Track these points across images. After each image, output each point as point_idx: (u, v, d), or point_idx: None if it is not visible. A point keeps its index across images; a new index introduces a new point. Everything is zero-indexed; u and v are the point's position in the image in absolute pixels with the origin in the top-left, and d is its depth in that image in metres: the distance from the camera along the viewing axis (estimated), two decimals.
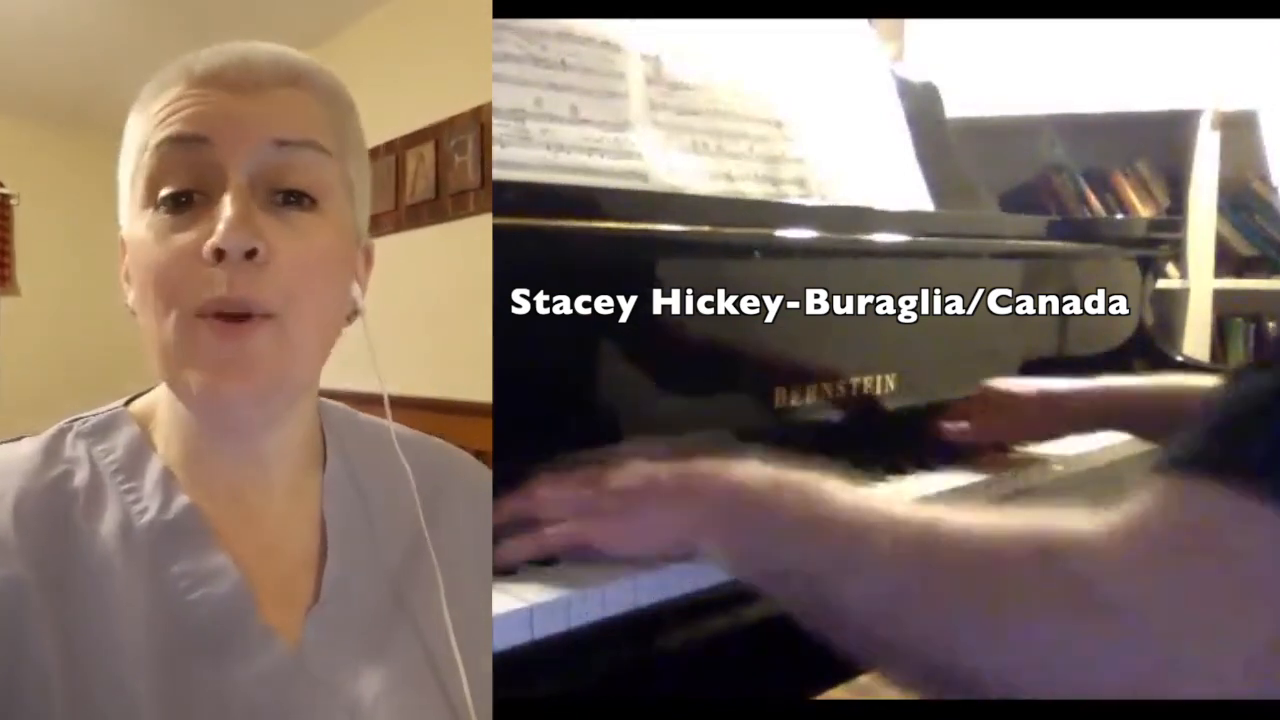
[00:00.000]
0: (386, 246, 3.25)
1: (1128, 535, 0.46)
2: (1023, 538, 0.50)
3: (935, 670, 0.53)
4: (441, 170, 2.68)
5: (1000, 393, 1.04)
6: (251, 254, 0.55)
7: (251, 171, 0.57)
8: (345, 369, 0.69)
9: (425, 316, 2.33)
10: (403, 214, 2.84)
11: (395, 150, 2.87)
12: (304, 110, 0.60)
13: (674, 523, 0.67)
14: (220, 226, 0.55)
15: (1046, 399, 1.02)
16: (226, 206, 0.55)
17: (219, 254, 0.55)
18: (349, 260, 0.64)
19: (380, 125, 2.86)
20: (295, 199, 0.59)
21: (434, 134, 2.70)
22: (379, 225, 2.93)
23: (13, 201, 4.24)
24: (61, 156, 4.08)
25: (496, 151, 0.87)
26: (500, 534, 0.69)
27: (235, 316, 0.56)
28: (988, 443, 1.03)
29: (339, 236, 0.62)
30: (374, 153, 3.04)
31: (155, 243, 0.57)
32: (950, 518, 0.54)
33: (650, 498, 0.68)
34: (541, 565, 0.68)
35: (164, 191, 0.57)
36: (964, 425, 1.02)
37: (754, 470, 0.65)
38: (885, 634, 0.55)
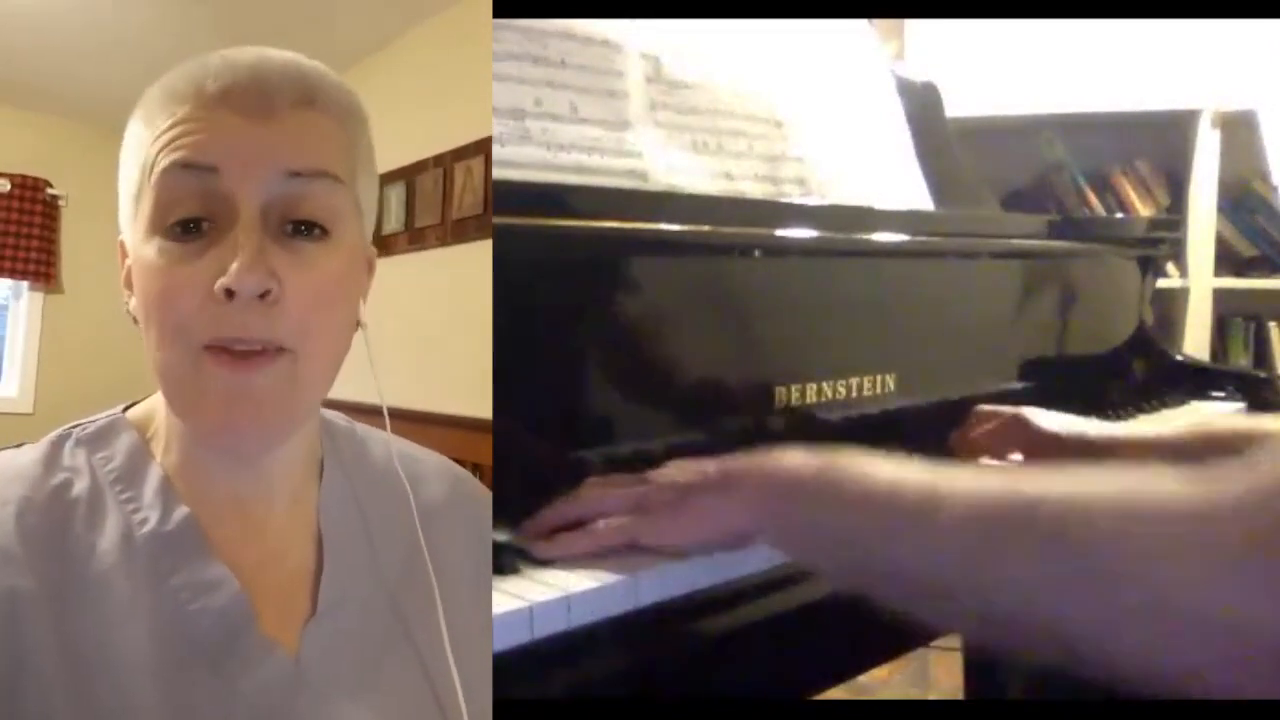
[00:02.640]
0: (432, 260, 3.21)
1: (1239, 498, 0.44)
2: (1107, 501, 0.49)
3: (1019, 630, 0.52)
4: (490, 184, 2.66)
5: (1034, 428, 0.99)
6: (265, 295, 0.55)
7: (263, 202, 0.56)
8: (364, 382, 0.69)
9: (471, 330, 2.32)
10: (449, 227, 2.84)
11: (444, 164, 2.86)
12: (317, 136, 0.59)
13: (725, 513, 0.67)
14: (233, 267, 0.54)
15: (1088, 445, 0.97)
16: (239, 246, 0.54)
17: (230, 293, 0.54)
18: (359, 281, 0.63)
19: (428, 139, 2.86)
20: (306, 229, 0.58)
21: (482, 148, 2.68)
22: (425, 238, 2.92)
23: (60, 202, 4.29)
24: (110, 160, 4.10)
25: (496, 151, 0.87)
26: (552, 532, 0.70)
27: (244, 353, 0.55)
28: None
29: (349, 262, 0.61)
30: (421, 166, 3.05)
31: (165, 271, 0.56)
32: (1024, 486, 0.53)
33: (699, 489, 0.68)
34: (540, 565, 0.68)
35: (173, 219, 0.56)
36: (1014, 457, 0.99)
37: (801, 457, 0.65)
38: (955, 597, 0.55)
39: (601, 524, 0.70)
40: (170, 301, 0.55)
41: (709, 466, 0.69)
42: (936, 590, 0.56)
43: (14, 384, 4.31)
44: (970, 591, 0.54)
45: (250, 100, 0.56)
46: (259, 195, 0.56)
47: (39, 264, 4.24)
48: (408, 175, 2.98)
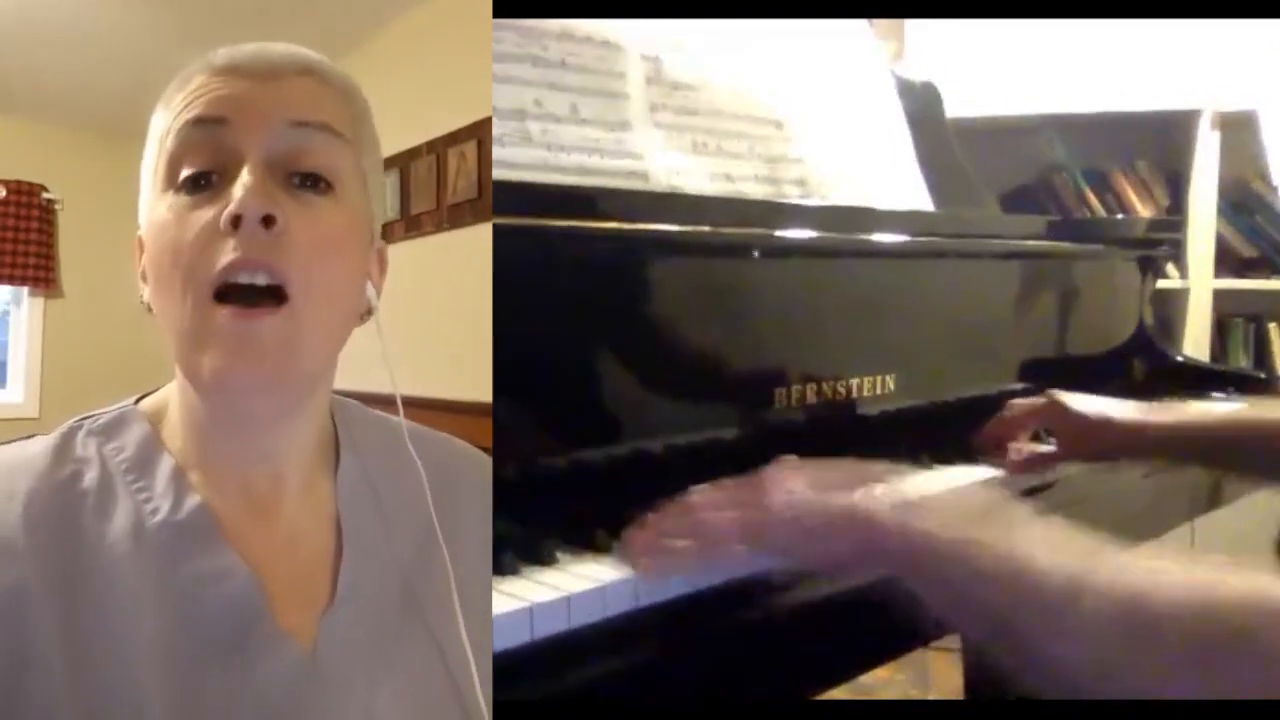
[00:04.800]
0: (428, 246, 3.21)
1: None
2: (1240, 611, 0.49)
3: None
4: (484, 169, 2.67)
5: (1069, 411, 1.02)
6: (268, 221, 0.56)
7: (269, 152, 0.58)
8: (372, 371, 0.69)
9: (470, 316, 2.32)
10: (444, 213, 2.85)
11: (436, 150, 2.87)
12: (320, 96, 0.62)
13: (855, 553, 0.66)
14: (238, 193, 0.56)
15: (1121, 427, 1.00)
16: (244, 176, 0.56)
17: (236, 220, 0.55)
18: (363, 248, 0.64)
19: (421, 126, 2.87)
20: (311, 182, 0.60)
21: (475, 133, 2.70)
22: (420, 225, 2.94)
23: (56, 206, 4.31)
24: (104, 162, 4.15)
25: (496, 151, 0.87)
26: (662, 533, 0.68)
27: (249, 303, 0.56)
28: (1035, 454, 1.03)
29: (354, 222, 0.62)
30: (415, 153, 3.08)
31: (175, 222, 0.57)
32: (1160, 589, 0.53)
33: (831, 521, 0.67)
34: (541, 565, 0.68)
35: (184, 173, 0.58)
36: (1046, 445, 1.03)
37: (940, 520, 0.64)
38: (1086, 686, 0.55)
39: (710, 519, 0.68)
40: (181, 247, 0.57)
41: (836, 496, 0.67)
42: (1071, 674, 0.55)
43: (19, 389, 4.32)
44: (1102, 678, 0.54)
45: (257, 65, 0.60)
46: (265, 145, 0.58)
47: (38, 269, 4.26)
48: (401, 163, 2.99)
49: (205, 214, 0.57)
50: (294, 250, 0.57)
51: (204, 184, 0.58)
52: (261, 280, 0.56)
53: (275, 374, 0.58)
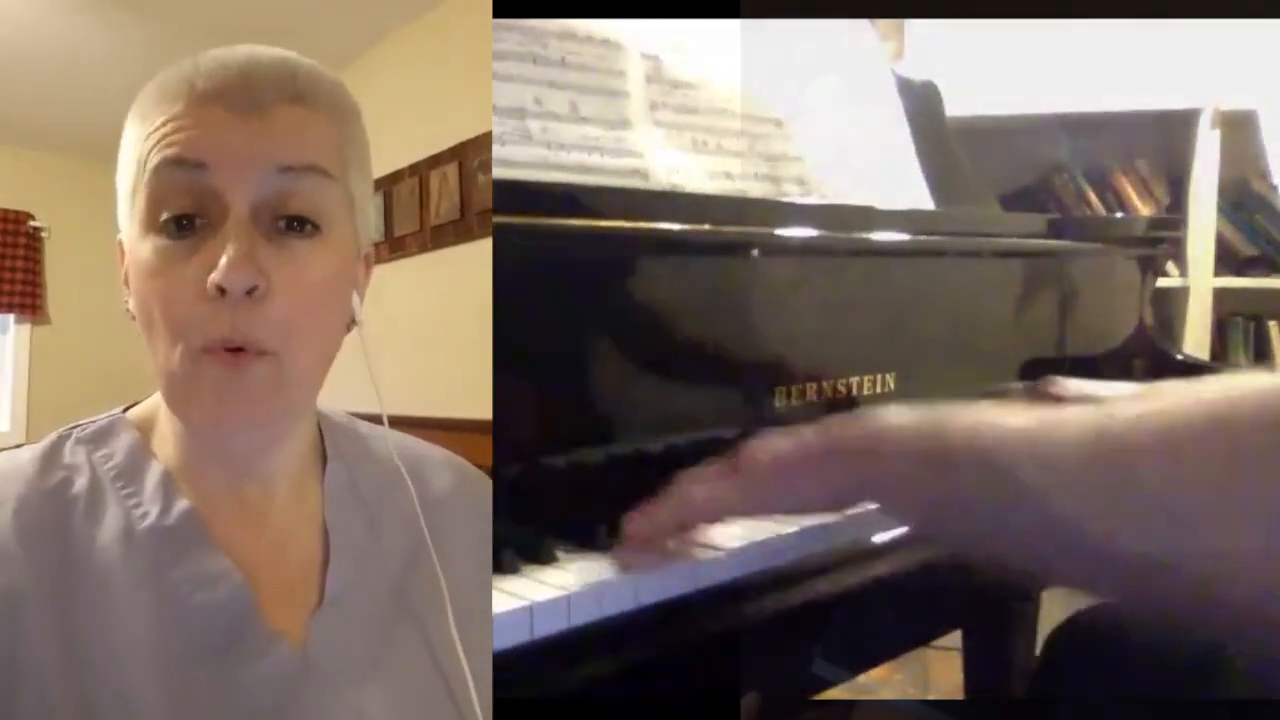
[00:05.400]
0: (412, 267, 3.26)
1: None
2: (1206, 409, 0.49)
3: (1140, 576, 0.51)
4: (466, 189, 2.71)
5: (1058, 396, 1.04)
6: (252, 290, 0.55)
7: (253, 198, 0.57)
8: (359, 390, 0.69)
9: (453, 334, 2.32)
10: (428, 235, 2.89)
11: (419, 172, 2.91)
12: (307, 131, 0.59)
13: (827, 476, 0.64)
14: (222, 263, 0.54)
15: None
16: (228, 243, 0.55)
17: (221, 290, 0.55)
18: (349, 280, 0.64)
19: (403, 149, 2.90)
20: (298, 225, 0.58)
21: (457, 154, 2.74)
22: (405, 246, 2.98)
23: (43, 234, 4.31)
24: (91, 188, 4.15)
25: (496, 150, 0.87)
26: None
27: (235, 349, 0.56)
28: None
29: (340, 260, 0.62)
30: (398, 176, 3.14)
31: (159, 271, 0.56)
32: (1129, 398, 0.53)
33: (800, 454, 0.65)
34: (541, 564, 0.68)
35: (164, 215, 0.56)
36: None
37: (905, 414, 0.62)
38: (1087, 545, 0.53)
39: (698, 496, 0.67)
40: (167, 303, 0.56)
41: (806, 432, 0.66)
42: (1051, 537, 0.54)
43: (6, 417, 4.34)
44: (1094, 536, 0.52)
45: (240, 97, 0.57)
46: (249, 192, 0.56)
47: (25, 296, 4.28)
48: (384, 185, 3.02)
49: (189, 267, 0.56)
50: (279, 311, 0.56)
51: (186, 225, 0.56)
52: (248, 346, 0.56)
53: (265, 417, 0.58)
